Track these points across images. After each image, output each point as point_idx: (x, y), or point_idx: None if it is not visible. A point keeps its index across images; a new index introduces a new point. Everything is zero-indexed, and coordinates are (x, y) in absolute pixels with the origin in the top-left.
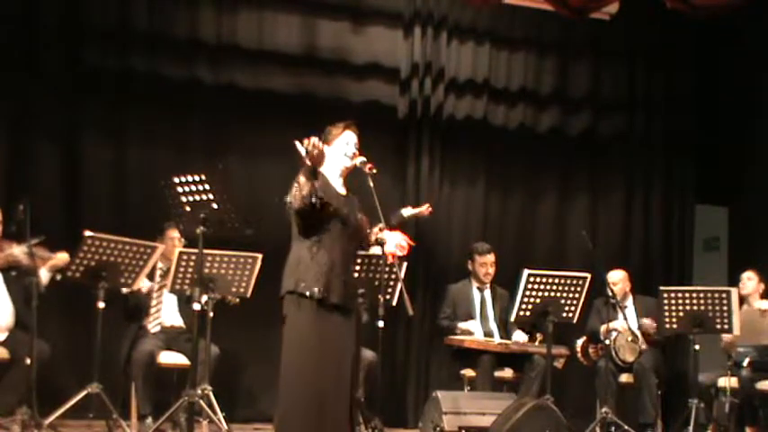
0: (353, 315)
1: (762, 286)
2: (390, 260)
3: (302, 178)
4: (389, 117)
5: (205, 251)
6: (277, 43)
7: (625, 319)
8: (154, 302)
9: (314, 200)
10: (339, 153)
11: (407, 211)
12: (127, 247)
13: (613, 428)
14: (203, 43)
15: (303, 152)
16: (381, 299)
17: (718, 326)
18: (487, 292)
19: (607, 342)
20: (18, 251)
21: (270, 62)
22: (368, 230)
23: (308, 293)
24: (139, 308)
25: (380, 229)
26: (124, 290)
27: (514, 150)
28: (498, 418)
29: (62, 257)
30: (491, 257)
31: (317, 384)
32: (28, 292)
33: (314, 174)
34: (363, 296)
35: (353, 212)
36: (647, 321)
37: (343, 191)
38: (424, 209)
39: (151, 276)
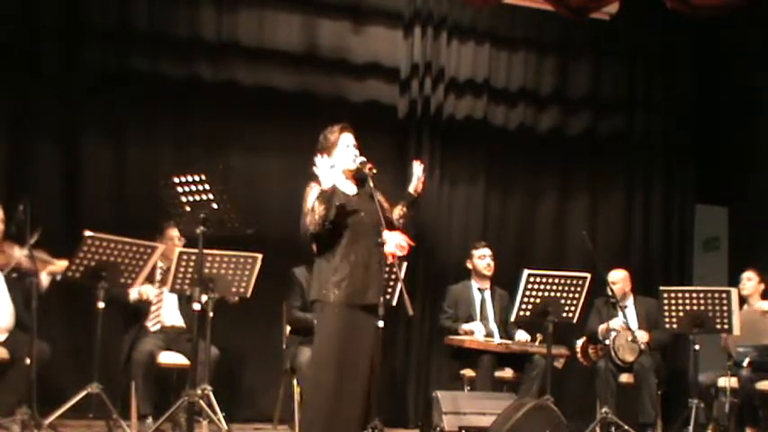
0: (375, 313)
1: (762, 287)
2: (390, 260)
3: (317, 202)
4: (389, 117)
5: (205, 251)
6: (277, 42)
7: (625, 318)
8: (154, 301)
9: (327, 225)
10: (342, 157)
11: (412, 186)
12: (127, 247)
13: (613, 428)
14: (204, 42)
15: (320, 171)
16: (381, 299)
17: (718, 326)
18: (487, 293)
19: (606, 342)
20: (19, 254)
21: (270, 61)
22: (390, 215)
23: (327, 299)
24: (140, 311)
25: (402, 210)
26: (131, 298)
27: (514, 150)
28: (498, 418)
29: (61, 264)
30: (488, 250)
31: (334, 384)
32: (28, 292)
33: (329, 199)
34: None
35: (365, 210)
36: (641, 334)
37: (353, 189)
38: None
39: (151, 276)
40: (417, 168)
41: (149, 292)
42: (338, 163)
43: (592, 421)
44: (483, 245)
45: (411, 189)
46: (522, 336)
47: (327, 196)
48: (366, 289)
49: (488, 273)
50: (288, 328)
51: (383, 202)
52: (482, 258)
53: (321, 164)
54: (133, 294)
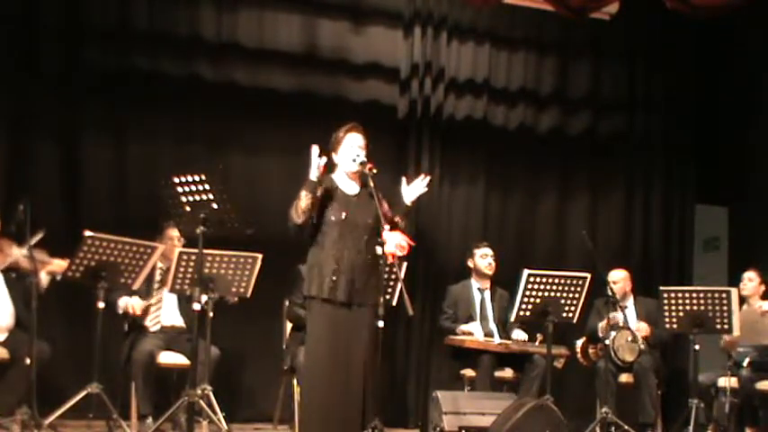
0: (366, 312)
1: (762, 288)
2: (390, 260)
3: (302, 192)
4: (389, 117)
5: (205, 251)
6: (277, 42)
7: (625, 318)
8: (139, 313)
9: (311, 216)
10: (345, 157)
11: (407, 195)
12: (127, 247)
13: (613, 428)
14: (204, 42)
15: (314, 158)
16: (381, 299)
17: (718, 326)
18: (487, 293)
19: (606, 341)
20: (18, 253)
21: (270, 61)
22: (388, 216)
23: (314, 295)
24: (137, 321)
25: (398, 218)
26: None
27: (514, 150)
28: (498, 418)
29: (60, 264)
30: (489, 249)
31: (327, 382)
32: (28, 292)
33: (315, 189)
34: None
35: (362, 211)
36: (643, 326)
37: (355, 189)
38: (420, 180)
39: (151, 276)
40: (421, 182)
41: (135, 305)
42: (340, 162)
43: (592, 421)
44: (485, 244)
45: (408, 201)
46: (518, 335)
47: (312, 187)
48: (354, 288)
49: (489, 272)
50: (288, 327)
51: (383, 202)
52: (484, 258)
53: (312, 154)
54: (120, 304)
